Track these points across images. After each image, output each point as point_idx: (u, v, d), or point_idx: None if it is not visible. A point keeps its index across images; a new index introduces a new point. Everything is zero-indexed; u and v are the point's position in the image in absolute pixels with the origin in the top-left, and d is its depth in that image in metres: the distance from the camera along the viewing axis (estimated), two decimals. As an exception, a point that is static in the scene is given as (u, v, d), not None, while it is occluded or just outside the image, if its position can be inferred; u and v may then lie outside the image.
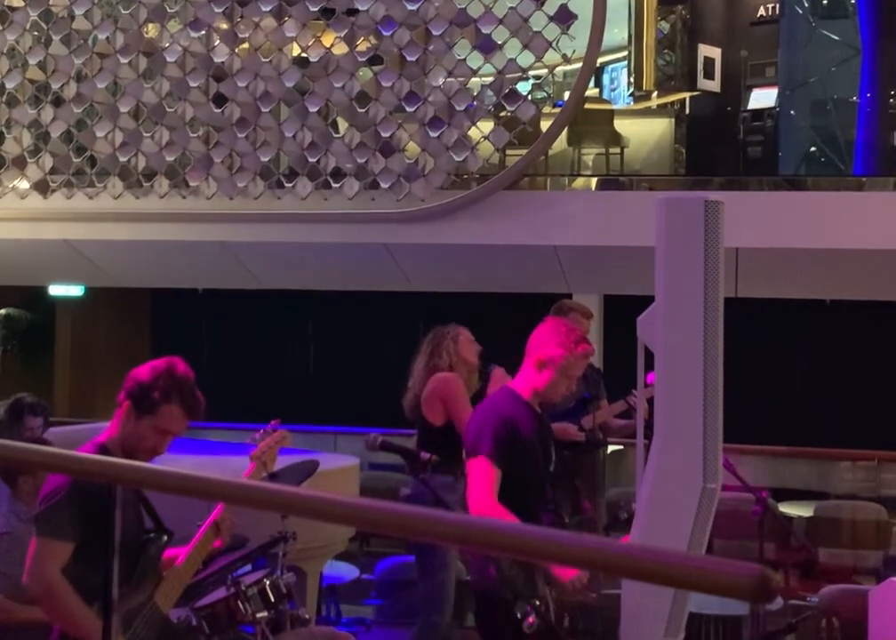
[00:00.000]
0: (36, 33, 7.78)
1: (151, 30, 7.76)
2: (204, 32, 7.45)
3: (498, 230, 7.15)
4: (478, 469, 3.77)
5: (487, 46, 7.01)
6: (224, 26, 7.54)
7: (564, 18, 6.85)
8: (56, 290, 11.59)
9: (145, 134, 7.54)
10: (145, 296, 12.72)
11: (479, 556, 3.73)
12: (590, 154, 9.33)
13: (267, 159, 7.33)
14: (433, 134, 7.04)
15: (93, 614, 3.04)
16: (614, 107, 10.31)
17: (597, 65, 8.93)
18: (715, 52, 10.44)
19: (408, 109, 7.12)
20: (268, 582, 4.19)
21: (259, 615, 4.06)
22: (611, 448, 6.84)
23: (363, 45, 7.28)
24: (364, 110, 7.17)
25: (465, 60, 7.07)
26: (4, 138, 7.86)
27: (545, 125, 7.50)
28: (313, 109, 7.24)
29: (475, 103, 7.13)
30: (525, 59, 7.02)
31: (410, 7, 7.08)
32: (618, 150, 9.18)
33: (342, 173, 7.21)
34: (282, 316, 11.87)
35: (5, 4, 7.80)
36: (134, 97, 7.57)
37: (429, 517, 1.74)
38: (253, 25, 7.37)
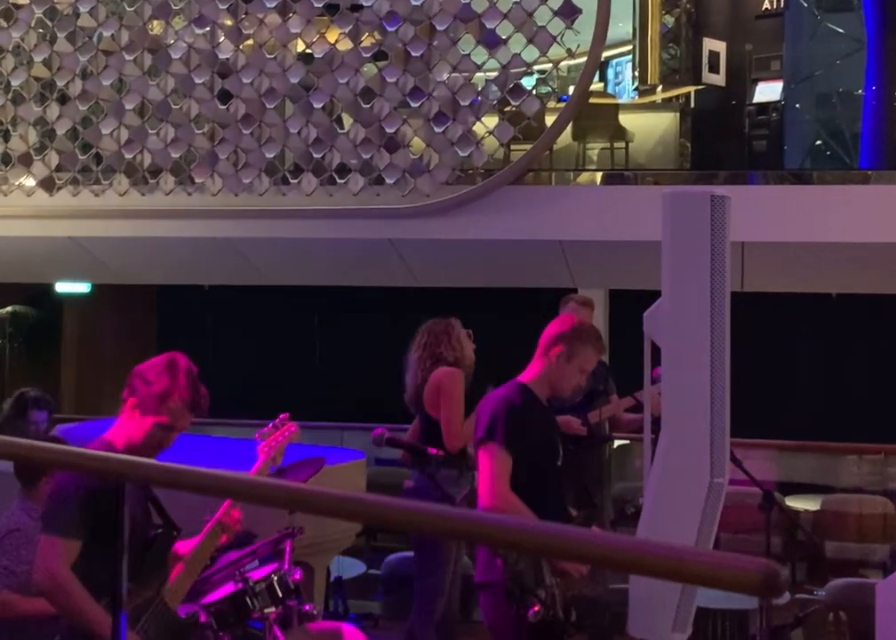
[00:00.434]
0: (41, 30, 7.78)
1: (156, 27, 7.77)
2: (208, 29, 7.46)
3: (503, 225, 7.16)
4: (490, 457, 3.76)
5: (491, 41, 7.01)
6: (228, 22, 7.54)
7: (569, 12, 6.85)
8: (62, 287, 11.60)
9: (150, 131, 7.55)
10: (151, 293, 12.73)
11: (485, 548, 3.73)
12: (595, 148, 9.33)
13: (272, 155, 7.34)
14: (438, 129, 7.05)
15: (103, 610, 3.05)
16: (619, 101, 10.30)
17: (602, 59, 8.92)
18: (720, 46, 10.42)
19: (413, 105, 7.12)
20: (275, 578, 4.19)
21: (266, 610, 4.07)
22: (616, 443, 6.84)
23: (367, 41, 7.28)
24: (368, 106, 7.17)
25: (469, 55, 7.08)
26: (9, 135, 7.87)
27: (550, 120, 7.50)
28: (318, 105, 7.24)
29: (479, 98, 7.13)
30: (530, 53, 7.02)
31: (414, 2, 7.08)
32: (623, 145, 9.18)
33: (347, 169, 7.22)
34: (287, 311, 11.87)
35: (10, 1, 7.81)
36: (139, 94, 7.58)
37: (437, 514, 1.74)
38: (258, 21, 7.37)
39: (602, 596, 3.80)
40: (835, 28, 9.23)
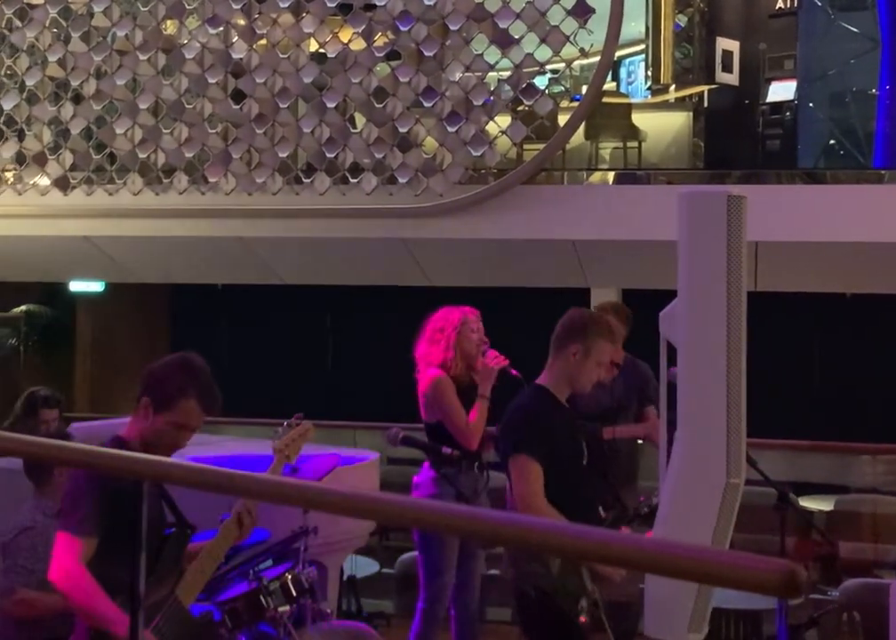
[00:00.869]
0: (55, 30, 7.81)
1: (170, 27, 7.79)
2: (222, 28, 7.48)
3: (515, 225, 7.15)
4: (521, 469, 3.71)
5: (504, 41, 7.01)
6: (242, 22, 7.56)
7: (582, 12, 6.84)
8: (76, 286, 11.64)
9: (164, 131, 7.57)
10: (164, 292, 12.76)
11: (523, 552, 3.66)
12: (608, 148, 9.31)
13: (285, 155, 7.35)
14: (450, 129, 7.05)
15: (118, 608, 3.06)
16: (632, 100, 10.28)
17: (615, 58, 8.90)
18: (733, 45, 10.40)
19: (426, 104, 7.13)
20: (289, 576, 4.21)
21: (280, 609, 4.08)
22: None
23: (380, 41, 7.29)
24: (381, 106, 7.17)
25: (482, 54, 7.07)
26: (24, 135, 7.90)
27: (562, 120, 7.50)
28: (331, 105, 7.25)
29: (492, 98, 7.14)
30: (543, 53, 7.01)
31: (427, 2, 7.08)
32: (635, 144, 9.16)
33: (360, 169, 7.22)
34: (300, 310, 11.89)
35: (25, 1, 7.84)
36: (153, 94, 7.59)
37: (445, 512, 1.75)
38: (271, 21, 7.38)
39: (634, 598, 3.77)
40: (848, 27, 9.20)
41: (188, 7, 7.55)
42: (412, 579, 6.60)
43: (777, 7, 10.50)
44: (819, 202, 6.82)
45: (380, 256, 7.88)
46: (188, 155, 7.51)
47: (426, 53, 7.10)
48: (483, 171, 7.20)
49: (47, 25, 7.77)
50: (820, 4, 9.33)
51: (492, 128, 7.13)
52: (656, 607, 3.07)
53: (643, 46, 10.89)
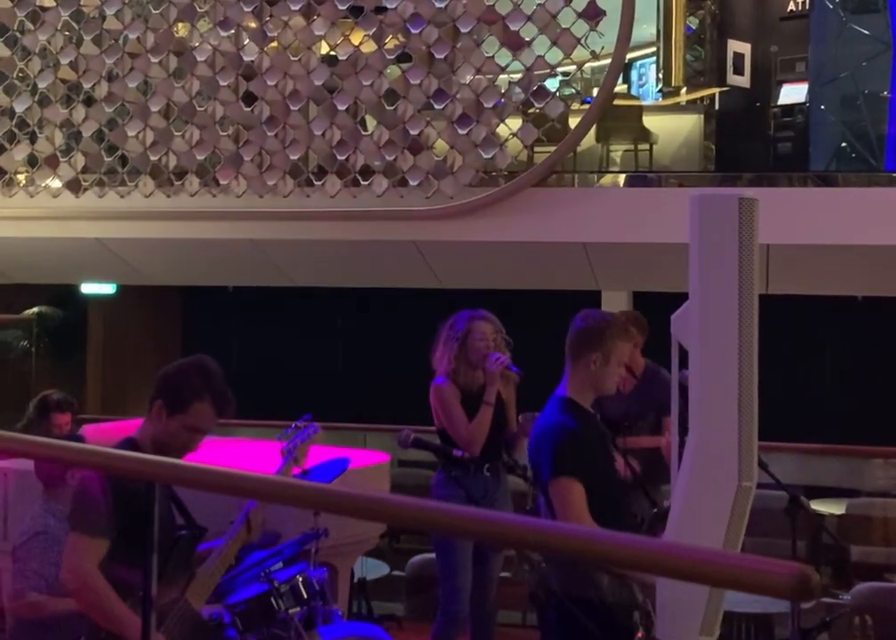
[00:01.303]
0: (67, 33, 7.83)
1: (181, 30, 7.80)
2: (233, 31, 7.49)
3: (526, 227, 7.15)
4: (565, 493, 3.59)
5: (515, 43, 7.00)
6: (253, 25, 7.57)
7: (593, 14, 6.83)
8: (88, 288, 11.67)
9: (175, 133, 7.59)
10: (176, 294, 12.79)
11: (572, 563, 3.52)
12: (619, 150, 9.31)
13: (296, 157, 7.35)
14: (461, 132, 7.05)
15: (129, 610, 3.07)
16: (643, 103, 10.27)
17: (626, 61, 8.90)
18: (744, 48, 10.39)
19: (436, 107, 7.12)
20: (300, 579, 4.21)
21: (291, 611, 4.09)
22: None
23: (391, 43, 7.29)
24: (392, 108, 7.18)
25: (493, 57, 7.07)
26: (36, 137, 7.92)
27: (573, 122, 7.49)
28: (342, 107, 7.25)
29: (503, 100, 7.13)
30: (554, 55, 7.01)
31: (438, 5, 7.08)
32: (647, 146, 9.16)
33: (371, 171, 7.23)
34: (311, 313, 11.91)
35: (37, 4, 7.86)
36: (165, 96, 7.61)
37: (456, 515, 1.75)
38: (282, 24, 7.39)
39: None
40: (860, 29, 9.17)
41: (199, 10, 7.56)
42: (422, 581, 6.62)
43: (788, 9, 10.49)
44: (830, 205, 6.80)
45: (391, 258, 7.89)
46: (200, 157, 7.52)
47: (436, 56, 7.10)
48: (493, 173, 7.19)
49: (59, 28, 7.79)
50: (831, 6, 9.30)
51: (502, 130, 7.12)
52: (667, 610, 3.06)
53: (654, 49, 10.89)
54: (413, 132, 7.13)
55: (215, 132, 7.51)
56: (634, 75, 11.69)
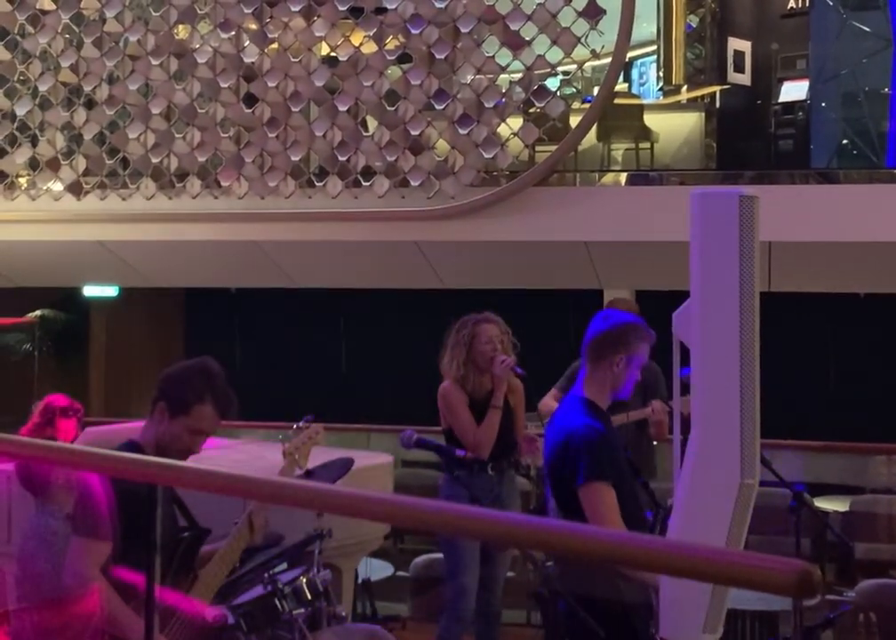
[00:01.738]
0: (67, 36, 7.84)
1: (182, 32, 7.81)
2: (233, 33, 7.49)
3: (528, 226, 7.15)
4: (598, 496, 3.52)
5: (516, 43, 7.01)
6: (254, 26, 7.57)
7: (593, 13, 6.84)
8: (90, 290, 11.67)
9: (177, 135, 7.59)
10: (178, 296, 12.79)
11: (576, 562, 3.44)
12: (620, 149, 9.30)
13: (297, 158, 7.36)
14: (462, 132, 7.05)
15: (132, 612, 3.07)
16: (644, 101, 10.27)
17: (626, 60, 8.89)
18: (745, 46, 10.38)
19: (437, 107, 7.13)
20: (304, 580, 4.21)
21: (295, 612, 4.08)
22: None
23: (391, 44, 7.30)
24: (393, 108, 7.18)
25: (493, 56, 7.07)
26: (37, 140, 7.93)
27: (574, 121, 7.49)
28: (342, 108, 7.26)
29: (504, 100, 7.13)
30: (554, 55, 7.01)
31: (438, 5, 7.09)
32: (648, 145, 9.15)
33: (372, 172, 7.23)
34: (314, 314, 11.90)
35: (37, 7, 7.87)
36: (166, 98, 7.62)
37: (461, 515, 1.75)
38: (283, 25, 7.40)
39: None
40: (861, 26, 9.17)
41: (199, 12, 7.57)
42: (426, 582, 6.61)
43: (789, 7, 10.48)
44: (832, 202, 6.80)
45: (393, 259, 7.89)
46: (201, 159, 7.53)
47: (437, 56, 7.11)
48: (495, 173, 7.19)
49: (59, 31, 7.79)
50: (832, 3, 9.30)
51: (503, 130, 7.12)
52: (670, 608, 3.06)
53: (654, 47, 10.88)
54: (414, 133, 7.14)
55: (216, 133, 7.52)
56: (634, 73, 11.69)
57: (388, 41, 7.27)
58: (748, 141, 10.11)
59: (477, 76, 7.09)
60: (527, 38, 6.99)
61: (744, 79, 10.36)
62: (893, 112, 8.57)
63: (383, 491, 5.77)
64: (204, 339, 12.44)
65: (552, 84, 7.39)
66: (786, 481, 4.05)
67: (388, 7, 7.22)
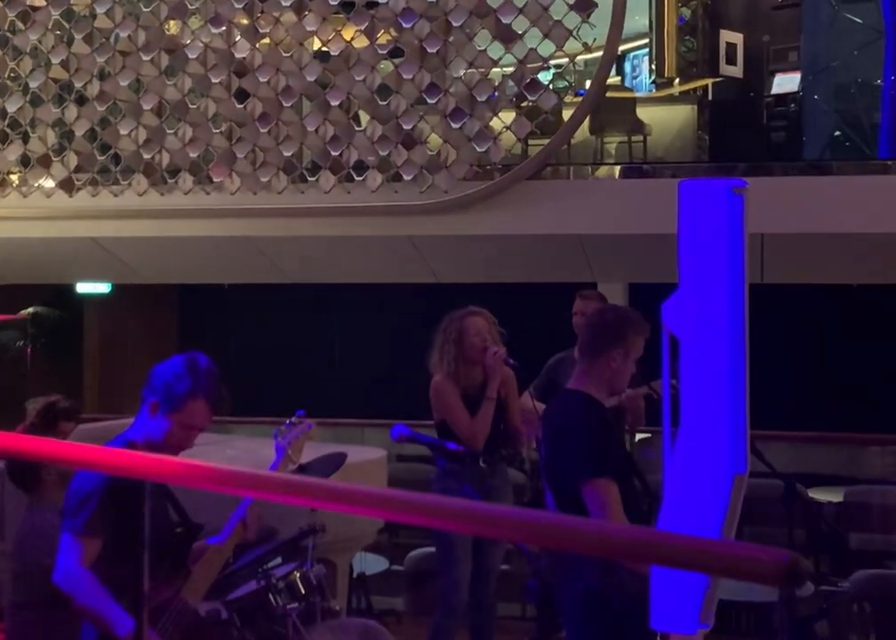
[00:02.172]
0: (58, 32, 7.81)
1: (172, 27, 7.79)
2: (224, 28, 7.47)
3: (521, 220, 7.14)
4: (602, 492, 3.52)
5: (507, 36, 6.99)
6: (244, 21, 7.56)
7: (584, 6, 6.82)
8: (83, 287, 11.67)
9: (168, 131, 7.57)
10: (172, 292, 12.79)
11: (605, 561, 3.46)
12: (613, 142, 9.30)
13: (289, 153, 7.34)
14: (455, 125, 7.04)
15: (121, 610, 3.07)
16: (636, 94, 10.27)
17: (619, 53, 8.89)
18: (737, 38, 10.37)
19: (429, 101, 7.12)
20: (298, 575, 4.21)
21: (289, 607, 4.08)
22: (638, 436, 6.83)
23: (383, 38, 7.28)
24: (385, 103, 7.17)
25: (485, 50, 7.06)
26: (28, 137, 7.91)
27: (567, 114, 7.48)
28: (334, 103, 7.24)
29: (496, 93, 7.12)
30: (546, 48, 7.00)
31: (429, -1, 7.07)
32: (641, 138, 9.16)
33: (365, 166, 7.22)
34: (308, 309, 11.90)
35: (27, 3, 7.84)
36: (157, 94, 7.60)
37: (455, 510, 1.75)
38: (274, 20, 7.38)
39: None
40: (853, 17, 9.16)
41: (190, 7, 7.55)
42: (421, 576, 6.63)
43: (780, -1, 10.47)
44: (824, 193, 6.80)
45: (387, 253, 7.88)
46: (193, 155, 7.51)
47: (429, 50, 7.09)
48: (488, 167, 7.19)
49: (50, 27, 7.77)
50: (823, -6, 9.30)
51: (496, 124, 7.11)
52: (662, 599, 3.06)
53: (646, 40, 10.87)
54: (407, 127, 7.12)
55: (208, 129, 7.50)
56: (627, 66, 11.67)
57: (379, 35, 7.26)
58: (740, 133, 10.11)
59: (469, 70, 7.08)
60: (519, 32, 6.97)
61: (736, 71, 10.35)
62: (885, 103, 8.57)
63: (377, 485, 5.78)
64: (198, 335, 12.45)
65: (544, 77, 7.38)
66: (778, 472, 4.05)
67: (380, 1, 7.21)
